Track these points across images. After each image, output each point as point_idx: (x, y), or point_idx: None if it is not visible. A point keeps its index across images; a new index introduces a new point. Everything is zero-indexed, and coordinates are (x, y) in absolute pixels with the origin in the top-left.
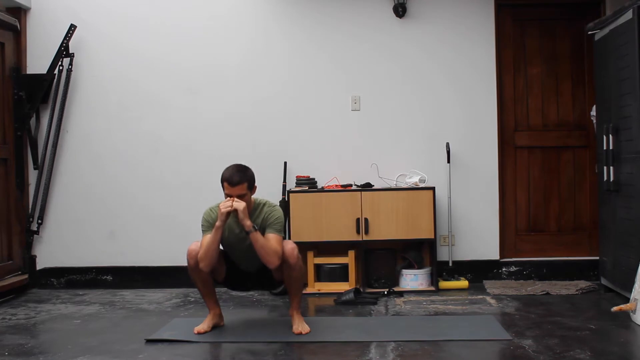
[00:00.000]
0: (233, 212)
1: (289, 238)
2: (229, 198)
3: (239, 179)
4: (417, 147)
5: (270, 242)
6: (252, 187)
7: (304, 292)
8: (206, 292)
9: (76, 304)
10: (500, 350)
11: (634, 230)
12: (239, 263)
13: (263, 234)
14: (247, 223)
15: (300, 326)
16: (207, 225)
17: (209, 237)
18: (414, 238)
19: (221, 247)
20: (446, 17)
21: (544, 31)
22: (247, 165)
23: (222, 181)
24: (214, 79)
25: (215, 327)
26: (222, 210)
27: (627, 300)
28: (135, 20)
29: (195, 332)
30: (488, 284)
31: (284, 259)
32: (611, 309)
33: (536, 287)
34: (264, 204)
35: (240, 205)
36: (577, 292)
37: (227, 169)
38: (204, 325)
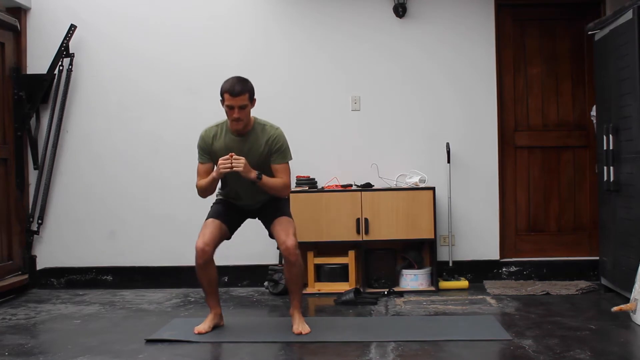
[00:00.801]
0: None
1: None
2: (227, 156)
3: (240, 89)
4: (417, 147)
5: (278, 181)
6: (252, 99)
7: (304, 292)
8: (210, 291)
9: (76, 304)
10: (500, 350)
11: (634, 230)
12: (239, 198)
13: (268, 158)
14: (252, 176)
15: (301, 326)
16: (201, 153)
17: (204, 182)
18: (414, 238)
19: (217, 212)
20: (446, 17)
21: (544, 31)
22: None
23: (222, 93)
24: (214, 79)
25: (216, 327)
26: (221, 169)
27: (627, 300)
28: (135, 20)
29: (196, 332)
30: (488, 284)
31: (283, 255)
32: (611, 309)
33: (536, 287)
34: (265, 125)
35: (240, 164)
36: (577, 292)
37: (227, 80)
38: (204, 325)
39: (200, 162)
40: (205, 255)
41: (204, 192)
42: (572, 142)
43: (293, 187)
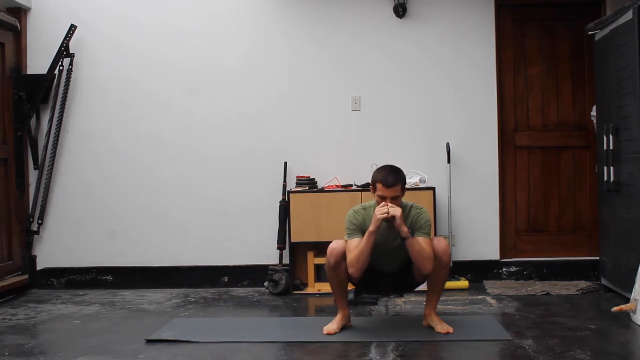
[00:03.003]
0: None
1: (289, 239)
2: (384, 203)
3: (394, 179)
4: (417, 147)
5: (426, 248)
6: (404, 190)
7: (305, 292)
8: (340, 292)
9: (76, 304)
10: (500, 350)
11: (634, 230)
12: (378, 264)
13: (412, 233)
14: (404, 229)
15: (444, 325)
16: (353, 229)
17: (361, 242)
18: None
19: None
20: (446, 17)
21: (544, 31)
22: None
23: (375, 182)
24: (214, 79)
25: (345, 328)
26: (379, 216)
27: (627, 300)
28: (135, 20)
29: (325, 332)
30: (488, 284)
31: (436, 257)
32: (611, 309)
33: (536, 287)
34: (411, 206)
35: (397, 211)
36: (577, 292)
37: (380, 169)
38: (333, 326)
39: (350, 239)
40: (338, 255)
41: (360, 254)
42: (572, 142)
43: (293, 187)
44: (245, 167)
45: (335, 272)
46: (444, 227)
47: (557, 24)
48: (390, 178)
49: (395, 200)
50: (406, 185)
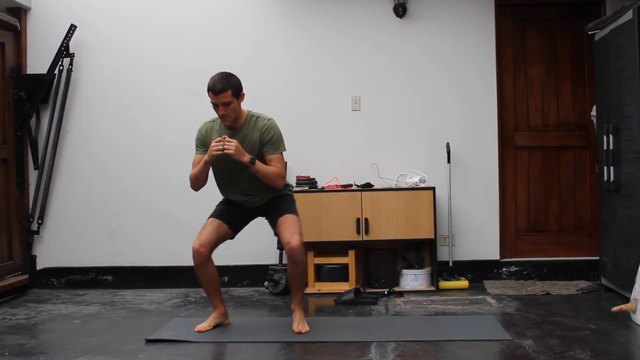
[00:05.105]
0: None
1: None
2: (220, 138)
3: (221, 86)
4: (417, 147)
5: (272, 169)
6: (238, 95)
7: (304, 292)
8: (211, 290)
9: (76, 304)
10: (500, 350)
11: (634, 230)
12: (235, 186)
13: (261, 149)
14: (245, 159)
15: (301, 325)
16: (197, 143)
17: (196, 169)
18: (414, 238)
19: (218, 212)
20: (446, 17)
21: (544, 31)
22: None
23: (207, 91)
24: None
25: (219, 326)
26: (213, 152)
27: (627, 300)
28: (136, 20)
29: (196, 330)
30: (488, 284)
31: (288, 255)
32: (611, 309)
33: (536, 287)
34: (257, 117)
35: (231, 146)
36: (577, 292)
37: (212, 77)
38: (204, 324)
39: (196, 154)
40: (201, 256)
41: (195, 180)
42: (572, 142)
43: (293, 187)
44: None
45: (202, 272)
46: (444, 227)
47: (557, 24)
48: (218, 84)
49: (228, 106)
50: (240, 93)
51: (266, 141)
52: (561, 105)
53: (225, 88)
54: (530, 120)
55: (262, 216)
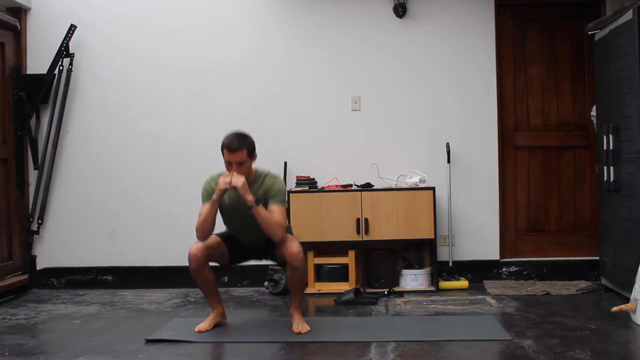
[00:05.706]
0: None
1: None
2: (228, 173)
3: (237, 144)
4: (417, 147)
5: (273, 215)
6: (252, 155)
7: (305, 292)
8: (208, 292)
9: (76, 304)
10: (500, 350)
11: (634, 230)
12: (241, 233)
13: (266, 205)
14: (249, 198)
15: (300, 325)
16: (206, 195)
17: (205, 208)
18: (414, 238)
19: (222, 234)
20: (446, 17)
21: (544, 31)
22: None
23: (222, 148)
24: (214, 79)
25: (218, 326)
26: (221, 186)
27: (627, 300)
28: (136, 20)
29: (196, 330)
30: (488, 284)
31: (287, 261)
32: (611, 309)
33: (536, 287)
34: (266, 175)
35: (239, 181)
36: (577, 292)
37: (227, 135)
38: (204, 324)
39: (203, 205)
40: (198, 260)
41: (203, 222)
42: (572, 142)
43: (293, 187)
44: None
45: (198, 275)
46: (444, 227)
47: (557, 24)
48: (234, 143)
49: (242, 165)
50: (253, 153)
51: (271, 195)
52: (561, 105)
53: (241, 147)
54: (530, 120)
55: (263, 257)
